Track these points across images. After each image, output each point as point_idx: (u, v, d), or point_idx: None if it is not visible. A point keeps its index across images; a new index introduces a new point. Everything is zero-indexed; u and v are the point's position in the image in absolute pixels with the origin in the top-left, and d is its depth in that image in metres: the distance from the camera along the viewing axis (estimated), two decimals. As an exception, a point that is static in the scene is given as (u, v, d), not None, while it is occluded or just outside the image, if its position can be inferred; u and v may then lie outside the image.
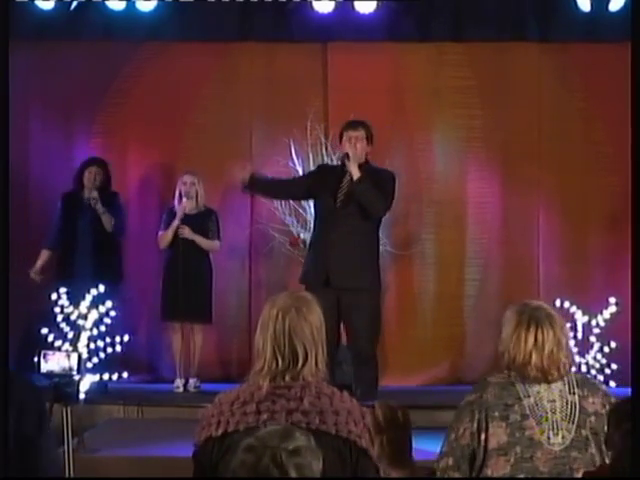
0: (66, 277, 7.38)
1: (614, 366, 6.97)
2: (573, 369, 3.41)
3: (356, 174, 6.52)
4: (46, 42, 8.09)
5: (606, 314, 7.02)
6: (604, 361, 7.02)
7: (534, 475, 3.25)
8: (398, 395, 7.27)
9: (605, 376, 7.00)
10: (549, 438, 3.27)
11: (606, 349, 7.01)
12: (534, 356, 3.29)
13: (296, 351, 2.89)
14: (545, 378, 3.31)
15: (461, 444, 3.32)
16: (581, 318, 6.99)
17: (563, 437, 3.28)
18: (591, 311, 7.04)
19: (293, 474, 2.16)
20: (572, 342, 6.93)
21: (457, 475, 3.31)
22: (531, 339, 3.30)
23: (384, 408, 2.55)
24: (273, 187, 7.02)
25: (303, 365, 2.89)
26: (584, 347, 7.01)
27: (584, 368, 6.97)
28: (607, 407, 3.30)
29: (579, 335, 6.98)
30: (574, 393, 3.33)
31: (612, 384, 6.95)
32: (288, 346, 2.89)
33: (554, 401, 3.31)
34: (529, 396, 3.31)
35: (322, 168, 7.11)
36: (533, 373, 3.30)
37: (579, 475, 3.23)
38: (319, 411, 2.84)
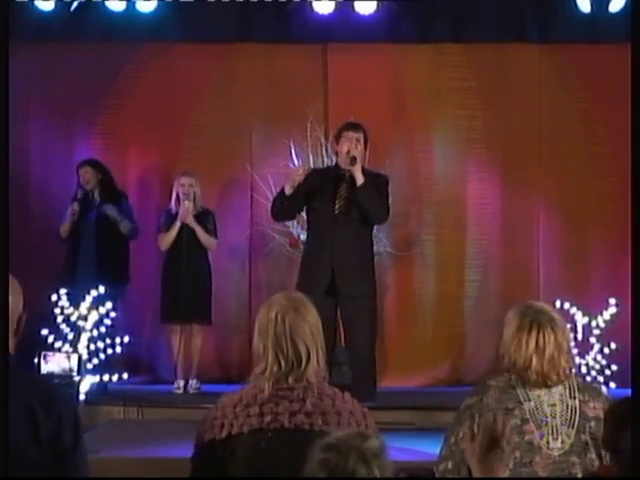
0: (70, 278, 7.35)
1: (614, 367, 6.96)
2: (573, 372, 3.40)
3: (360, 179, 6.37)
4: (46, 43, 8.09)
5: (606, 315, 7.00)
6: (604, 362, 7.00)
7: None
8: (398, 396, 7.30)
9: (605, 377, 6.99)
10: (548, 443, 3.26)
11: (606, 350, 6.99)
12: (534, 360, 3.27)
13: (299, 352, 2.90)
14: (545, 383, 3.29)
15: (461, 448, 3.26)
16: (581, 319, 6.96)
17: (562, 442, 3.26)
18: (591, 312, 7.03)
19: (377, 473, 2.18)
20: (572, 343, 6.93)
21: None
22: (532, 343, 3.27)
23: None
24: (296, 201, 6.65)
25: (306, 365, 2.90)
26: (584, 348, 7.00)
27: (584, 369, 6.95)
28: None
29: (579, 336, 6.97)
30: (575, 397, 3.31)
31: (612, 385, 6.95)
32: (291, 347, 2.90)
33: (554, 405, 3.29)
34: (529, 400, 3.29)
35: (314, 172, 6.88)
36: (533, 377, 3.28)
37: None
38: (322, 412, 2.86)
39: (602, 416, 3.27)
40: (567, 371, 3.31)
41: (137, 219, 7.76)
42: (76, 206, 7.49)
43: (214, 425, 2.89)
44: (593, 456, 3.26)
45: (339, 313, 6.53)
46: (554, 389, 3.31)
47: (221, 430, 2.86)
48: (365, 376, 6.52)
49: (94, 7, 7.99)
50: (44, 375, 2.66)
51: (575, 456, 3.26)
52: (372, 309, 6.63)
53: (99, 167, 7.66)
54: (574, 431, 3.27)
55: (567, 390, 3.32)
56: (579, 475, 3.23)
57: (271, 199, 7.81)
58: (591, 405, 3.31)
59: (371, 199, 6.40)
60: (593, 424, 3.29)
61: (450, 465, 3.29)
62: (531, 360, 3.27)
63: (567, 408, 3.30)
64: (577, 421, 3.28)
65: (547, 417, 3.28)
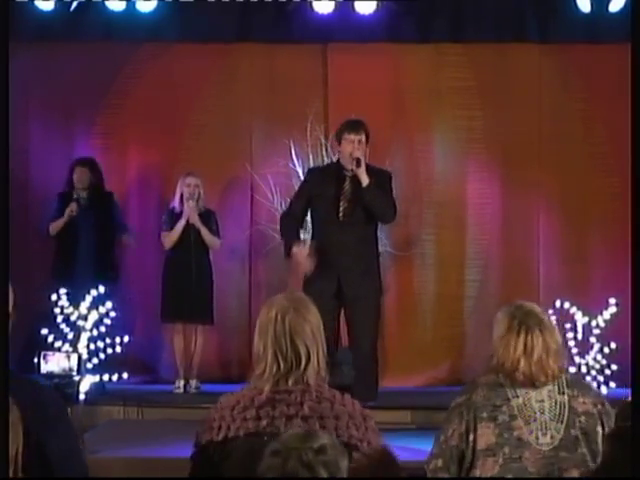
0: (65, 277, 7.37)
1: (614, 367, 6.96)
2: (570, 369, 3.41)
3: (365, 180, 6.33)
4: (46, 43, 8.09)
5: (606, 315, 7.00)
6: (604, 362, 7.01)
7: (523, 475, 3.26)
8: (398, 396, 7.30)
9: (605, 377, 7.00)
10: (537, 438, 3.28)
11: (606, 350, 7.00)
12: (522, 363, 3.29)
13: (298, 351, 2.87)
14: (532, 384, 3.31)
15: (450, 445, 3.33)
16: (581, 319, 6.97)
17: (552, 437, 3.28)
18: (591, 312, 7.03)
19: (322, 472, 2.17)
20: (572, 343, 6.94)
21: (446, 476, 3.32)
22: (520, 346, 3.30)
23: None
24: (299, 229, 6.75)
25: (306, 366, 2.87)
26: (584, 348, 7.01)
27: (584, 369, 6.96)
28: (598, 407, 3.32)
29: (579, 336, 6.97)
30: (564, 393, 3.33)
31: (612, 385, 6.95)
32: (290, 347, 2.87)
33: (542, 401, 3.31)
34: (517, 397, 3.32)
35: (314, 173, 6.86)
36: (521, 378, 3.31)
37: (568, 475, 3.23)
38: (319, 416, 2.83)
39: (592, 411, 3.30)
40: (556, 372, 3.33)
41: (124, 216, 7.91)
42: (75, 206, 7.50)
43: (212, 427, 2.87)
44: (584, 451, 3.28)
45: (343, 313, 6.52)
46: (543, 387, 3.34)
47: (218, 432, 2.85)
48: (368, 375, 6.51)
49: (94, 7, 7.99)
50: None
51: (565, 451, 3.28)
52: (376, 308, 6.60)
53: (95, 168, 7.68)
54: (563, 426, 3.29)
55: (555, 386, 3.34)
56: (570, 470, 3.25)
57: (271, 199, 7.85)
58: (580, 400, 3.33)
59: (378, 199, 6.37)
60: (583, 419, 3.31)
61: (440, 463, 3.33)
62: (519, 362, 3.30)
63: (556, 404, 3.32)
64: (566, 416, 3.30)
65: (536, 413, 3.30)
